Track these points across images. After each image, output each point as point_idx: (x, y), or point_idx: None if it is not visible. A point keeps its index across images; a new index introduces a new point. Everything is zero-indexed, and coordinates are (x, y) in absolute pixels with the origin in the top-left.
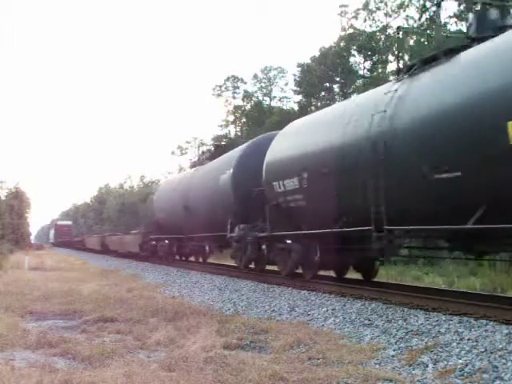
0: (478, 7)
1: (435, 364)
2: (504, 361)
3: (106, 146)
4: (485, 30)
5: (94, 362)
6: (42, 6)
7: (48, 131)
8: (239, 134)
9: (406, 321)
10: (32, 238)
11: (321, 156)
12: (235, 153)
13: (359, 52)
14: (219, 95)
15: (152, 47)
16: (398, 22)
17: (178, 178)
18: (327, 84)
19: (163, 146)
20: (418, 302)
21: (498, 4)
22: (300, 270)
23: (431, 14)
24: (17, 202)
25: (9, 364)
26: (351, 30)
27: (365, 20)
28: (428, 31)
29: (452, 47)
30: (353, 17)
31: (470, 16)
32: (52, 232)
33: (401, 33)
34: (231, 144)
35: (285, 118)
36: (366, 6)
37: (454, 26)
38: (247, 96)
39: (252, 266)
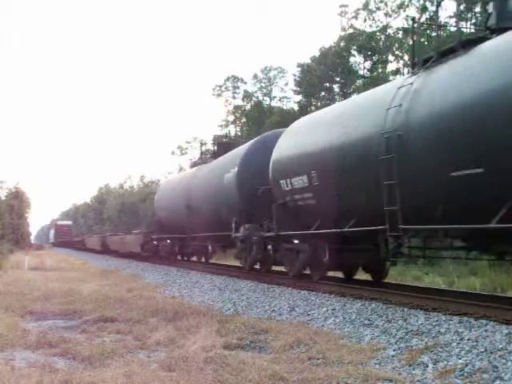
0: (478, 7)
1: (435, 364)
2: (504, 361)
3: (106, 146)
4: (506, 21)
5: (93, 362)
6: (41, 5)
7: (48, 131)
8: (239, 133)
9: (406, 321)
10: (32, 238)
11: (332, 153)
12: (240, 151)
13: (359, 52)
14: (219, 95)
15: (152, 47)
16: (398, 22)
17: (179, 177)
18: (327, 84)
19: (163, 146)
20: (418, 302)
21: None
22: (307, 271)
23: (431, 14)
24: (17, 202)
25: (9, 364)
26: (351, 30)
27: (365, 20)
28: (428, 31)
29: (470, 38)
30: (353, 17)
31: (490, 5)
32: (52, 232)
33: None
34: (233, 142)
35: (285, 118)
36: (366, 6)
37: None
38: (247, 96)
39: (257, 266)
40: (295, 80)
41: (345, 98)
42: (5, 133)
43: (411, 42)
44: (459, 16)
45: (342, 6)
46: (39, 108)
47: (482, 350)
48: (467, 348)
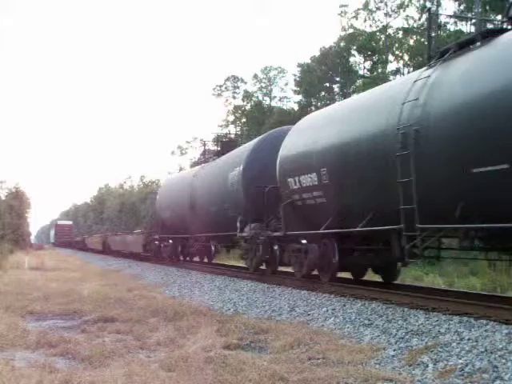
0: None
1: (435, 364)
2: (504, 361)
3: (106, 146)
4: None
5: (93, 362)
6: (41, 5)
7: (48, 131)
8: (239, 133)
9: (406, 321)
10: (32, 238)
11: (343, 150)
12: (245, 148)
13: (359, 52)
14: (219, 95)
15: (152, 47)
16: (398, 22)
17: (182, 176)
18: (327, 84)
19: (163, 146)
20: (418, 302)
21: None
22: (315, 273)
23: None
24: (17, 202)
25: (9, 364)
26: (351, 30)
27: (365, 20)
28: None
29: (491, 29)
30: (353, 17)
31: None
32: (53, 232)
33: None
34: (237, 141)
35: (285, 118)
36: (365, 6)
37: (453, 26)
38: (247, 96)
39: (262, 267)
40: (295, 80)
41: (345, 98)
42: (5, 133)
43: (427, 35)
44: (459, 16)
45: (341, 6)
46: (39, 108)
47: (482, 350)
48: (467, 348)
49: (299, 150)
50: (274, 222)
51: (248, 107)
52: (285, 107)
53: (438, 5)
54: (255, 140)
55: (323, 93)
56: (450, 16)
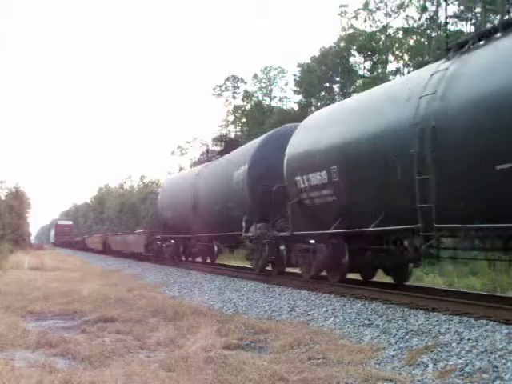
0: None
1: (435, 364)
2: (504, 361)
3: (106, 146)
4: None
5: (93, 362)
6: (41, 5)
7: (48, 131)
8: (239, 133)
9: (406, 321)
10: (32, 238)
11: (354, 147)
12: (251, 146)
13: (359, 52)
14: (219, 95)
15: (152, 47)
16: (398, 22)
17: (184, 175)
18: (327, 84)
19: (163, 146)
20: (418, 302)
21: None
22: (323, 273)
23: (431, 14)
24: (17, 202)
25: (9, 364)
26: (351, 30)
27: (365, 20)
28: (428, 31)
29: (510, 19)
30: (353, 17)
31: None
32: (53, 232)
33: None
34: (237, 141)
35: (285, 118)
36: (365, 6)
37: (453, 26)
38: (247, 96)
39: (268, 268)
40: (295, 80)
41: (345, 98)
42: (5, 133)
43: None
44: (459, 16)
45: (342, 6)
46: (40, 108)
47: (482, 350)
48: (467, 348)
49: (308, 147)
50: (281, 221)
51: (248, 107)
52: (285, 107)
53: (438, 5)
54: (261, 138)
55: (323, 93)
56: (468, 7)
